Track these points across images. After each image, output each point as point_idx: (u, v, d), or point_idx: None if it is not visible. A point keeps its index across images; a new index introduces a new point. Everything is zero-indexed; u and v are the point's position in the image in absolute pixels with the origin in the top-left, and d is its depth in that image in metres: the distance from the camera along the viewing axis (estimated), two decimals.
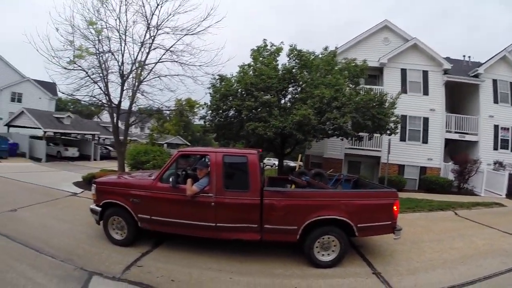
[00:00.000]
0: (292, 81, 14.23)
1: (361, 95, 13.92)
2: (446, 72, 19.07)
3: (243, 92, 13.77)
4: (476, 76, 19.15)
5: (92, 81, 12.44)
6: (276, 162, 25.40)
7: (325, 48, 15.86)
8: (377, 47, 19.89)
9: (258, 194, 5.50)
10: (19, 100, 42.44)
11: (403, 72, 19.32)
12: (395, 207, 5.67)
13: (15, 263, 4.98)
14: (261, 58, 14.77)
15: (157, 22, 12.56)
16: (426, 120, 18.91)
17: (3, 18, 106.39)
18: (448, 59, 20.06)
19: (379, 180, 17.01)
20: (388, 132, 14.83)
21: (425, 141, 18.86)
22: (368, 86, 17.23)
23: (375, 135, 16.02)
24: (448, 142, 19.31)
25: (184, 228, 5.72)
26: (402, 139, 18.72)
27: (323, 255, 5.55)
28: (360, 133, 14.88)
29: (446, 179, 17.21)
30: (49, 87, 42.92)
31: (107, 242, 6.09)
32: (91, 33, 11.98)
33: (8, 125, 28.26)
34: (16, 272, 4.68)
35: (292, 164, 30.96)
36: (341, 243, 5.50)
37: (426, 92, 19.09)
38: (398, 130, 15.94)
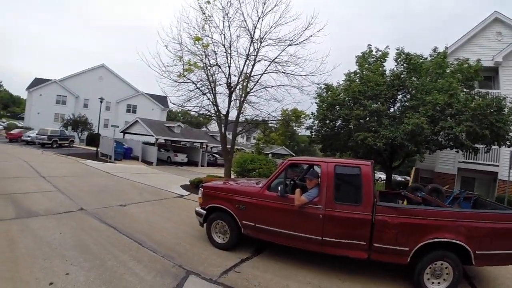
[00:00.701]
0: (401, 87, 13.39)
1: (477, 100, 12.27)
2: None
3: (350, 101, 13.39)
4: None
5: (201, 93, 13.40)
6: (382, 176, 24.06)
7: (434, 50, 14.47)
8: (489, 44, 17.48)
9: (370, 209, 5.08)
10: (134, 111, 48.81)
11: None
12: None
13: (118, 252, 5.36)
14: (367, 65, 14.19)
15: (260, 35, 13.05)
16: None
17: (115, 42, 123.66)
18: None
19: (497, 199, 14.75)
20: (508, 143, 12.79)
21: None
22: (483, 90, 15.20)
23: (493, 147, 13.93)
24: None
25: (288, 239, 5.56)
26: None
27: (433, 283, 4.89)
28: (476, 145, 13.09)
29: None
30: (161, 99, 48.54)
31: (208, 244, 6.24)
32: (198, 48, 12.90)
33: (124, 132, 32.28)
34: (117, 261, 5.02)
35: (398, 178, 29.03)
36: (454, 272, 4.77)
37: None
38: None
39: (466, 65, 13.64)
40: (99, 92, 35.90)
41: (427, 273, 4.88)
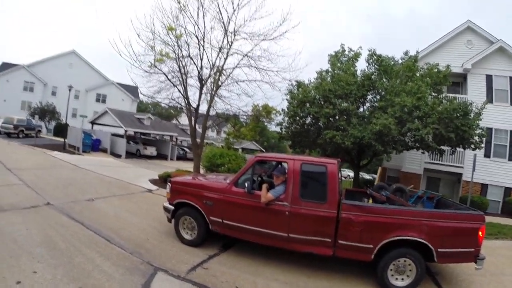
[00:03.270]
0: (371, 88, 13.74)
1: (444, 104, 12.78)
2: None
3: (321, 99, 13.54)
4: None
5: (172, 85, 13.13)
6: (351, 174, 24.60)
7: (406, 53, 14.99)
8: (460, 51, 18.34)
9: (336, 206, 5.16)
10: (103, 101, 47.31)
11: (489, 78, 17.55)
12: (480, 233, 4.99)
13: (85, 249, 5.22)
14: (339, 64, 14.49)
15: (234, 28, 12.85)
16: None
17: (86, 24, 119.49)
18: None
19: (460, 200, 15.49)
20: (473, 146, 13.46)
21: (511, 158, 16.80)
22: (451, 95, 15.90)
23: (458, 149, 14.58)
24: None
25: (255, 235, 5.59)
26: (487, 155, 16.93)
27: (396, 279, 5.05)
28: (442, 147, 13.68)
29: None
30: (131, 90, 47.24)
31: (176, 240, 6.18)
32: (171, 38, 12.63)
33: (92, 122, 31.36)
34: (85, 257, 4.89)
35: (366, 176, 29.75)
36: (417, 268, 4.95)
37: None
38: (483, 145, 14.44)
39: (436, 70, 14.19)
40: (68, 80, 34.60)
41: (391, 269, 5.03)
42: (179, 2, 12.30)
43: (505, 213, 15.80)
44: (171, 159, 31.92)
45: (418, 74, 13.80)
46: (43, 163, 14.81)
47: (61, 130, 32.41)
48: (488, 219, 12.28)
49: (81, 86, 45.34)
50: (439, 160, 16.74)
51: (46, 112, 37.45)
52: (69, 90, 26.73)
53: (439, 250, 4.89)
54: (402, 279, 5.04)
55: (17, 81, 42.94)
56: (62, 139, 25.87)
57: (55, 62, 45.86)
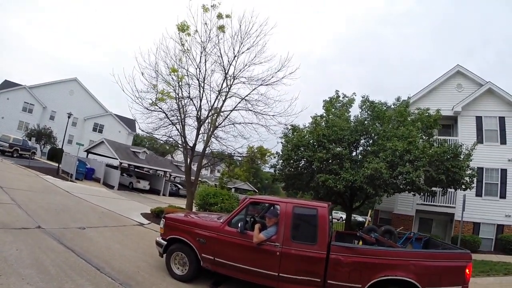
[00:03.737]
0: (364, 133, 14.08)
1: (435, 148, 13.11)
2: None
3: (315, 143, 13.80)
4: None
5: (171, 123, 13.35)
6: (344, 216, 24.56)
7: (398, 99, 15.57)
8: (450, 95, 19.02)
9: (325, 248, 5.31)
10: (100, 131, 47.57)
11: (479, 120, 18.09)
12: (467, 271, 5.12)
13: (75, 276, 5.21)
14: (333, 110, 14.94)
15: (234, 72, 13.27)
16: (504, 172, 17.19)
17: (93, 52, 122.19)
18: None
19: (452, 239, 15.50)
20: (463, 186, 13.67)
21: (503, 195, 17.04)
22: (442, 137, 16.42)
23: (449, 190, 14.77)
24: None
25: (246, 274, 5.64)
26: (478, 194, 17.11)
27: None
28: (433, 188, 13.85)
29: None
30: (128, 122, 47.69)
31: (166, 275, 6.17)
32: (173, 79, 12.97)
33: (87, 151, 31.36)
34: (75, 284, 4.88)
35: (359, 218, 29.58)
36: None
37: (503, 141, 17.54)
38: (474, 185, 14.57)
39: (426, 114, 14.66)
40: (68, 106, 34.96)
41: None
42: (183, 45, 12.79)
43: (498, 250, 15.80)
44: (164, 195, 31.68)
45: (409, 119, 14.22)
46: (36, 186, 14.73)
47: (55, 154, 32.26)
48: (481, 257, 12.61)
49: (80, 114, 45.78)
50: (431, 201, 16.89)
51: (42, 135, 37.46)
52: (68, 117, 27.02)
53: None
54: None
55: (17, 100, 42.93)
56: (55, 164, 25.72)
57: (56, 87, 46.46)
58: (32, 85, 44.91)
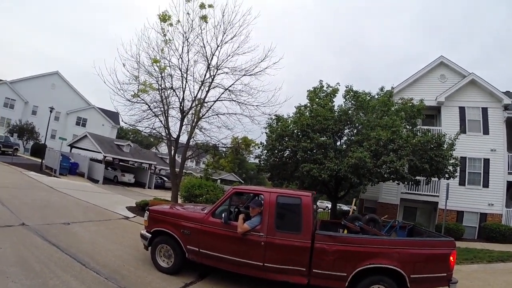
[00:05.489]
0: (348, 122, 14.17)
1: (419, 137, 13.37)
2: (506, 108, 17.78)
3: (299, 133, 13.84)
4: None
5: (154, 115, 13.16)
6: (329, 205, 24.80)
7: (381, 89, 15.69)
8: (434, 85, 19.27)
9: (310, 237, 5.32)
10: (83, 125, 46.65)
11: (462, 110, 18.40)
12: (451, 258, 5.23)
13: (60, 272, 5.15)
14: (317, 99, 14.97)
15: (217, 62, 13.15)
16: (486, 162, 17.60)
17: (71, 46, 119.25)
18: (508, 93, 18.77)
19: (436, 227, 15.87)
20: (447, 175, 13.99)
21: (485, 184, 17.45)
22: (425, 127, 16.69)
23: (433, 179, 15.08)
24: (510, 185, 17.66)
25: (231, 265, 5.63)
26: (461, 183, 17.50)
27: None
28: (417, 177, 14.09)
29: (509, 226, 15.71)
30: (112, 116, 46.82)
31: (152, 268, 6.14)
32: (155, 70, 12.80)
33: (71, 145, 30.92)
34: (60, 280, 4.83)
35: (345, 207, 29.93)
36: None
37: (486, 131, 17.91)
38: (457, 174, 15.01)
39: (410, 104, 14.85)
40: (50, 100, 34.12)
41: None
42: (165, 35, 12.61)
43: (481, 238, 16.17)
44: (149, 187, 31.47)
45: (393, 109, 14.40)
46: (19, 182, 14.51)
47: (38, 150, 31.65)
48: (465, 244, 12.90)
49: (62, 108, 44.67)
50: (415, 190, 17.15)
51: (24, 131, 36.60)
52: (50, 111, 26.38)
53: (411, 276, 5.05)
54: None
55: None
56: (39, 160, 25.35)
57: (38, 81, 45.16)
58: (13, 79, 43.62)
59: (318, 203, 37.55)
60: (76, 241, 7.11)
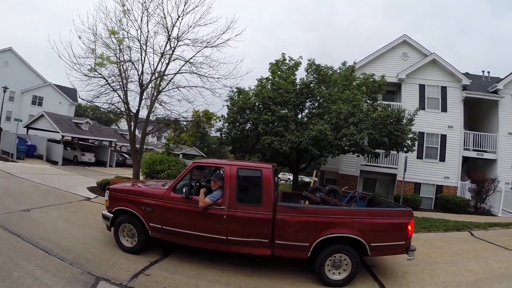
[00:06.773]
0: (309, 95, 14.22)
1: (379, 111, 13.73)
2: (465, 88, 18.66)
3: (261, 106, 13.75)
4: (495, 92, 18.65)
5: (112, 89, 12.65)
6: (291, 177, 25.23)
7: (344, 63, 15.80)
8: (396, 63, 19.74)
9: (271, 209, 5.41)
10: (40, 104, 43.71)
11: (422, 88, 19.06)
12: (409, 227, 5.52)
13: (23, 262, 5.03)
14: (279, 72, 14.83)
15: (178, 33, 12.75)
16: (443, 138, 18.51)
17: (25, 20, 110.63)
18: (467, 74, 19.68)
19: (395, 198, 16.67)
20: (405, 149, 14.59)
21: (442, 159, 18.45)
22: (386, 102, 17.14)
23: (392, 152, 15.71)
24: (465, 160, 18.84)
25: (195, 240, 5.66)
26: (419, 156, 18.39)
27: (333, 273, 5.41)
28: (377, 150, 14.56)
29: (463, 198, 16.72)
30: (70, 92, 44.11)
31: (116, 248, 6.08)
32: (113, 42, 12.23)
33: (27, 127, 29.12)
34: (23, 271, 4.72)
35: (307, 179, 30.60)
36: (352, 262, 5.35)
37: (444, 109, 18.74)
38: (415, 148, 15.65)
39: (372, 80, 15.18)
40: (3, 79, 31.66)
41: (328, 265, 5.37)
42: (123, 5, 12.01)
43: (437, 208, 17.12)
44: (110, 166, 30.59)
45: (354, 83, 14.61)
46: None
47: None
48: (422, 214, 13.66)
49: (17, 87, 41.51)
50: (375, 162, 17.87)
51: None
52: (4, 91, 24.70)
53: (371, 244, 5.31)
54: (339, 273, 5.40)
55: None
56: None
57: None
58: None
59: (280, 175, 38.21)
60: (37, 228, 6.93)
